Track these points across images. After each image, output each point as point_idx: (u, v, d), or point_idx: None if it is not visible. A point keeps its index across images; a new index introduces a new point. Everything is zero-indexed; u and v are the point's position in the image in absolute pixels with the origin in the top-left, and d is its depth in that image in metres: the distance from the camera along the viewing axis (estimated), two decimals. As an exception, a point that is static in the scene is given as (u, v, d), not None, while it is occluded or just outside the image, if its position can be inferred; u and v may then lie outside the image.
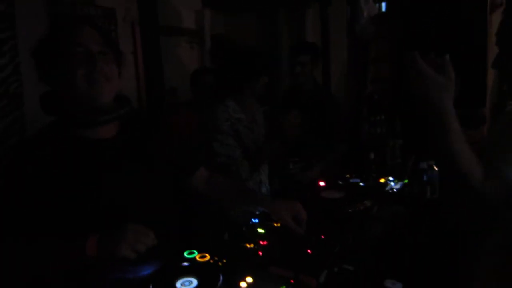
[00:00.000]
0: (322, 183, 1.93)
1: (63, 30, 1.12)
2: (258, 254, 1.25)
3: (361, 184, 1.98)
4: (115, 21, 2.68)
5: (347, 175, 2.13)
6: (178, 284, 1.06)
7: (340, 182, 2.02)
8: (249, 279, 1.09)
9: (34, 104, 2.09)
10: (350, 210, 1.59)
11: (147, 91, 2.33)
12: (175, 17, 3.25)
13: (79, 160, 1.11)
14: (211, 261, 1.18)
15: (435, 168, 1.86)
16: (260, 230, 1.39)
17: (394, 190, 1.90)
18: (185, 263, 1.17)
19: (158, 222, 1.22)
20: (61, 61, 1.09)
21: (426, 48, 1.14)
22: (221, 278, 1.08)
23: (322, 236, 1.35)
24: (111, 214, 1.10)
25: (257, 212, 1.45)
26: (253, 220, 1.43)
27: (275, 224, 1.41)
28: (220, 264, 1.17)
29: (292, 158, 2.54)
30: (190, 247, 1.25)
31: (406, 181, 2.00)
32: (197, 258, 1.20)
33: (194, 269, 1.14)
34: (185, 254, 1.22)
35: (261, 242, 1.30)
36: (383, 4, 4.22)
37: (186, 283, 1.06)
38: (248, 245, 1.29)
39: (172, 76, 3.19)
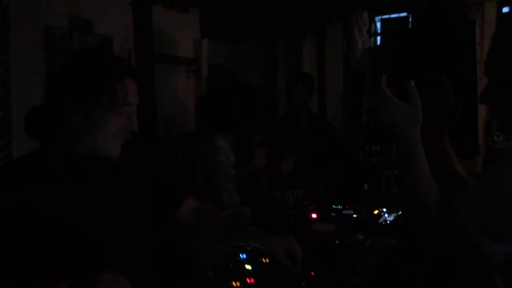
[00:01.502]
0: (314, 215, 1.90)
1: (107, 84, 1.00)
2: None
3: (354, 216, 1.95)
4: (111, 48, 2.69)
5: (340, 206, 2.09)
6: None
7: (333, 214, 1.98)
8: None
9: (22, 132, 2.08)
10: (337, 242, 1.54)
11: (139, 118, 2.31)
12: (173, 45, 3.28)
13: (62, 190, 1.06)
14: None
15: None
16: (248, 267, 1.33)
17: (388, 222, 1.87)
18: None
19: (138, 257, 1.17)
20: (96, 117, 1.00)
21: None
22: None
23: (312, 273, 1.30)
24: (90, 248, 1.05)
25: (248, 248, 1.39)
26: (240, 255, 1.38)
27: (264, 260, 1.36)
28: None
29: (292, 190, 2.51)
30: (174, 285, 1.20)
31: (400, 212, 1.97)
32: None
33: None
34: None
35: (248, 280, 1.25)
36: (378, 38, 4.30)
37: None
38: (234, 283, 1.24)
39: (167, 104, 3.19)
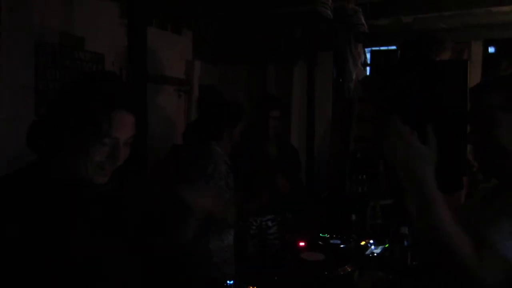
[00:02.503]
0: (302, 243, 1.87)
1: (91, 116, 1.00)
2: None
3: (342, 246, 1.93)
4: (103, 66, 2.69)
5: (327, 235, 2.08)
6: None
7: (320, 242, 1.96)
8: None
9: (8, 143, 2.02)
10: (327, 273, 1.52)
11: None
12: (166, 66, 3.29)
13: (53, 209, 1.03)
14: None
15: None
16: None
17: (375, 254, 1.85)
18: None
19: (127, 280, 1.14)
20: (79, 143, 1.00)
21: (407, 112, 1.14)
22: None
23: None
24: (79, 270, 1.02)
25: None
26: (228, 282, 1.35)
27: (251, 287, 1.33)
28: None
29: (266, 217, 2.50)
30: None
31: (387, 245, 1.96)
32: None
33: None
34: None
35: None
36: (367, 68, 4.40)
37: None
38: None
39: (157, 123, 3.17)
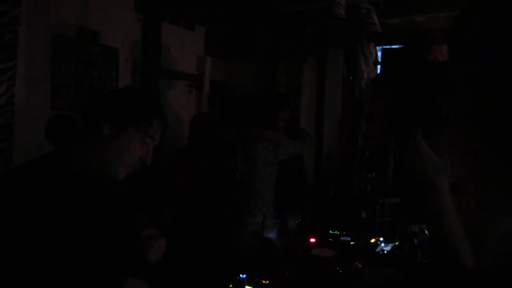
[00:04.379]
0: (312, 240, 1.89)
1: (148, 112, 1.09)
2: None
3: (352, 243, 1.95)
4: (117, 61, 2.71)
5: (337, 232, 2.09)
6: None
7: (330, 239, 1.98)
8: None
9: (23, 136, 2.06)
10: (338, 269, 1.54)
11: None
12: (178, 61, 3.31)
13: (61, 205, 1.04)
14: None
15: (427, 232, 1.84)
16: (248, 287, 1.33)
17: (385, 251, 1.87)
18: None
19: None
20: (125, 136, 1.06)
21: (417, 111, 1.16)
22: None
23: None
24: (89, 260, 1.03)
25: None
26: (240, 275, 1.37)
27: (264, 281, 1.35)
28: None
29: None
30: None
31: (396, 243, 1.97)
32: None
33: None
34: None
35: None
36: (378, 67, 4.38)
37: None
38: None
39: (168, 118, 3.19)
